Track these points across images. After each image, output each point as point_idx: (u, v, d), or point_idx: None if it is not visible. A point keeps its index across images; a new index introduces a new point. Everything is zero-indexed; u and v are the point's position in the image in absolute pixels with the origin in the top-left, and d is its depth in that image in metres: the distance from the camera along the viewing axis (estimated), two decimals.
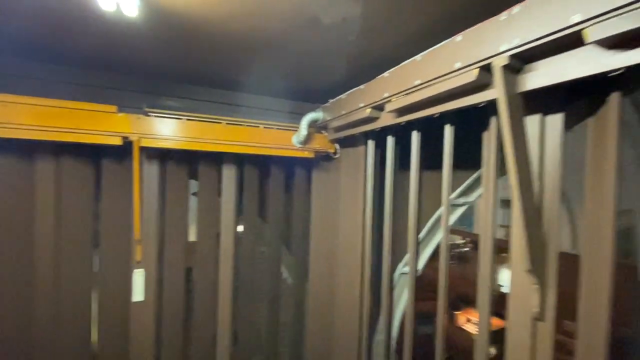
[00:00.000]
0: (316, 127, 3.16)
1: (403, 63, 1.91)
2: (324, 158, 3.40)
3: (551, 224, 1.50)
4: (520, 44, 1.24)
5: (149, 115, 2.57)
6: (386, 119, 2.26)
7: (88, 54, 2.40)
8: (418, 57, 1.79)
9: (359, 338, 2.90)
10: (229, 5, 1.69)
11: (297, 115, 3.19)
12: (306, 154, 3.14)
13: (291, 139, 3.05)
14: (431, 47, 1.72)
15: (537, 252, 1.49)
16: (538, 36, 1.18)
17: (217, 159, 3.09)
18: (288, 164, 3.46)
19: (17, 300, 2.51)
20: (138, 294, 2.83)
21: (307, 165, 3.51)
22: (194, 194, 3.32)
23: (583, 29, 1.07)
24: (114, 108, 2.45)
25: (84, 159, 2.67)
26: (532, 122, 1.50)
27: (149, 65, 2.58)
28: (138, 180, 2.63)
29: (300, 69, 2.55)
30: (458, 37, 1.53)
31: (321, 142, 3.20)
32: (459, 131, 2.07)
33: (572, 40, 1.13)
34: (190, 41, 2.12)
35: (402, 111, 2.07)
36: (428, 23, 1.81)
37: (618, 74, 1.13)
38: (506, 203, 1.64)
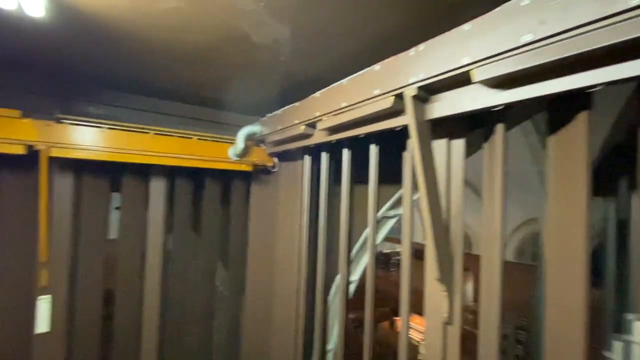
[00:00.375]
0: (254, 140, 3.14)
1: (332, 85, 2.02)
2: (263, 171, 3.39)
3: (457, 236, 1.68)
4: (425, 77, 1.41)
5: (61, 122, 2.32)
6: (319, 137, 2.35)
7: None
8: (344, 81, 1.91)
9: (294, 350, 2.89)
10: (150, 14, 1.63)
11: (236, 128, 3.14)
12: (244, 167, 3.09)
13: (227, 151, 2.99)
14: (358, 71, 1.85)
15: (445, 262, 1.66)
16: (438, 72, 1.35)
17: (144, 171, 2.89)
18: (225, 177, 3.37)
19: None
20: (43, 324, 2.48)
21: (246, 178, 3.45)
22: (117, 208, 3.05)
23: (471, 70, 1.25)
24: (16, 112, 2.17)
25: None
26: (439, 146, 1.69)
27: (63, 67, 2.35)
28: (45, 195, 2.34)
29: (235, 82, 2.53)
30: (377, 67, 1.67)
31: (259, 156, 3.19)
32: (390, 149, 2.21)
33: (464, 79, 1.32)
34: (112, 46, 1.98)
35: (332, 130, 2.17)
36: (355, 49, 1.94)
37: (502, 109, 1.34)
38: None
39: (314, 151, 2.79)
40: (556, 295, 1.31)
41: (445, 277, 1.66)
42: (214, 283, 3.41)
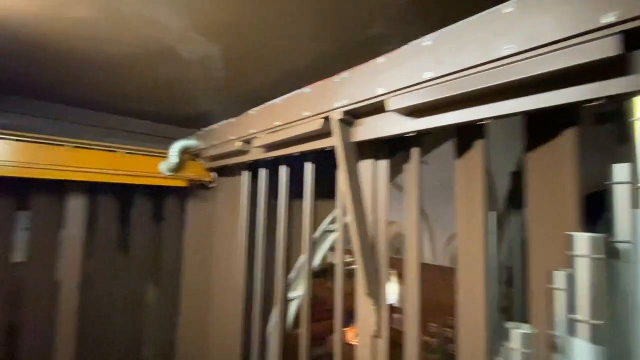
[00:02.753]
0: (191, 154, 3.02)
1: (267, 104, 2.04)
2: (201, 187, 3.26)
3: (383, 252, 1.78)
4: (348, 104, 1.49)
5: None
6: (256, 154, 2.33)
7: None
8: (278, 100, 1.94)
9: None
10: (61, 22, 1.51)
11: (171, 141, 2.99)
12: (178, 183, 2.94)
13: (159, 166, 2.82)
14: (294, 90, 1.89)
15: (373, 277, 1.73)
16: (358, 100, 1.44)
17: (59, 188, 2.59)
18: (158, 193, 3.17)
19: None
20: None
21: (181, 194, 3.29)
22: (27, 229, 2.70)
23: (385, 99, 1.35)
24: None
25: None
26: (366, 166, 1.79)
27: None
28: None
29: (166, 95, 2.42)
30: (307, 89, 1.73)
31: (196, 171, 3.07)
32: (331, 164, 2.25)
33: (382, 107, 1.42)
34: (15, 49, 1.78)
35: (268, 147, 2.18)
36: (288, 70, 1.98)
37: (417, 135, 1.47)
38: None
39: (254, 167, 2.76)
40: (465, 294, 1.43)
41: (373, 292, 1.73)
42: (142, 305, 3.14)
